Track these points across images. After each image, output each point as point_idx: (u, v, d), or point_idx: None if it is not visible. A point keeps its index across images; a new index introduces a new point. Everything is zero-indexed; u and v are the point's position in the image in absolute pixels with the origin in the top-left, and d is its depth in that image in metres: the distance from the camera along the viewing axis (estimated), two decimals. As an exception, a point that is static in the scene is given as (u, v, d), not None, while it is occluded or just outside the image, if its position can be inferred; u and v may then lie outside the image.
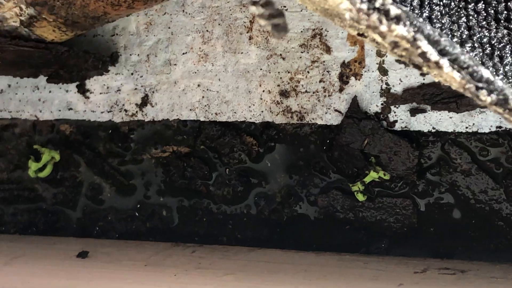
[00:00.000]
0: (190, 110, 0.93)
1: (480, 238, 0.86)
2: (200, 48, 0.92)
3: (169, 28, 0.92)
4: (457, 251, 0.87)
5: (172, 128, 0.95)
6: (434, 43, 0.54)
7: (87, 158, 0.99)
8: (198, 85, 0.92)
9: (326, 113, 0.88)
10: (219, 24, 0.91)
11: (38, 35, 0.87)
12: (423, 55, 0.55)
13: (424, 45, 0.54)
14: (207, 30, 0.91)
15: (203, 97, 0.92)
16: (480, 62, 0.58)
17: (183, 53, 0.92)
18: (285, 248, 0.92)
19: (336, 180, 0.90)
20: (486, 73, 0.56)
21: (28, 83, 0.98)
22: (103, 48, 0.94)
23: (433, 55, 0.55)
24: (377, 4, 0.53)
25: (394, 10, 0.53)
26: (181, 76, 0.93)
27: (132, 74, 0.94)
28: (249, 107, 0.91)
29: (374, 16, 0.53)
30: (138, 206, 0.98)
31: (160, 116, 0.94)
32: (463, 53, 0.56)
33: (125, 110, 0.95)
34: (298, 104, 0.89)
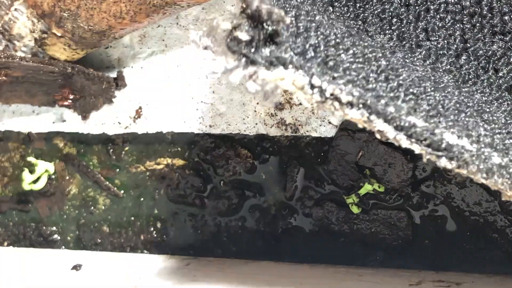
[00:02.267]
0: (184, 122, 0.93)
1: (474, 250, 0.86)
2: (194, 60, 0.92)
3: (163, 40, 0.92)
4: (452, 264, 0.87)
5: (166, 141, 0.95)
6: (390, 120, 0.57)
7: (81, 170, 0.99)
8: (192, 98, 0.92)
9: (320, 125, 0.88)
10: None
11: (51, 55, 0.88)
12: (380, 132, 0.57)
13: (380, 124, 0.57)
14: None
15: (197, 109, 0.92)
16: (442, 125, 0.60)
17: (177, 66, 0.92)
18: (280, 261, 0.92)
19: (330, 192, 0.90)
20: (446, 139, 0.58)
21: (21, 96, 0.98)
22: (97, 61, 0.93)
23: (389, 132, 0.57)
24: (327, 94, 0.55)
25: (345, 98, 0.56)
26: (175, 88, 0.93)
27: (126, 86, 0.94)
28: (243, 119, 0.91)
29: (328, 103, 0.56)
30: (132, 218, 0.98)
31: (154, 129, 0.94)
32: (420, 127, 0.57)
33: (119, 123, 0.95)
34: (292, 117, 0.89)
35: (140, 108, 0.94)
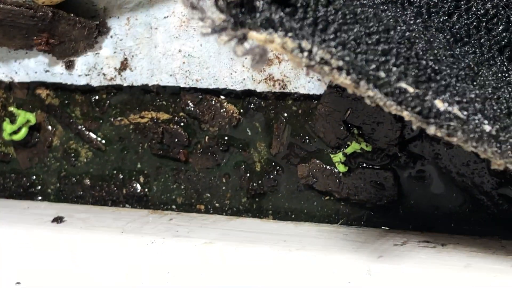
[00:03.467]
0: (171, 75, 0.92)
1: (460, 212, 0.86)
2: (182, 12, 0.90)
3: (150, -10, 0.90)
4: (437, 224, 0.87)
5: (151, 94, 0.94)
6: (380, 86, 0.56)
7: (64, 122, 0.98)
8: (179, 51, 0.91)
9: (309, 82, 0.87)
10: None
11: None
12: (369, 97, 0.57)
13: (370, 90, 0.56)
14: (189, -6, 0.89)
15: (184, 62, 0.91)
16: (432, 90, 0.59)
17: (165, 17, 0.90)
18: (264, 218, 0.92)
19: (317, 150, 0.90)
20: (436, 106, 0.57)
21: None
22: (82, 10, 0.92)
23: (379, 98, 0.57)
24: (317, 58, 0.55)
25: (335, 62, 0.56)
26: (162, 40, 0.91)
27: (111, 37, 0.93)
28: (231, 74, 0.89)
29: (318, 67, 0.56)
30: (115, 171, 0.97)
31: (139, 81, 0.93)
32: (411, 93, 0.56)
33: (104, 74, 0.94)
34: (281, 72, 0.88)
35: (126, 59, 0.93)
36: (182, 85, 0.92)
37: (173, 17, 0.90)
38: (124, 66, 0.93)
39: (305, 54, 0.54)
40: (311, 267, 0.79)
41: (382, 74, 0.57)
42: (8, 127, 0.98)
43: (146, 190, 0.96)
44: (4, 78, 0.98)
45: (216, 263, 0.81)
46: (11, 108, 0.99)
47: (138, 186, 0.97)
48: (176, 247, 0.84)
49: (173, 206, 0.95)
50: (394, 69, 0.58)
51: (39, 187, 1.01)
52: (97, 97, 0.96)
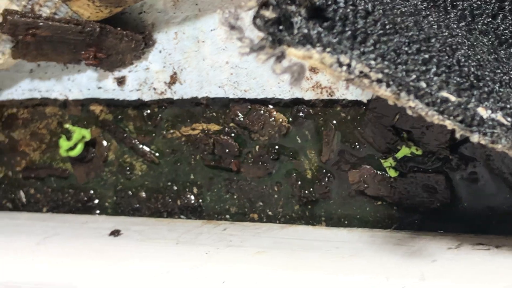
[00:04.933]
0: (219, 87, 0.92)
1: (514, 213, 0.85)
2: (227, 25, 0.91)
3: (196, 4, 0.91)
4: (491, 226, 0.86)
5: (201, 106, 0.95)
6: (421, 96, 0.55)
7: (118, 136, 1.00)
8: (227, 62, 0.91)
9: (356, 88, 0.87)
10: (247, -1, 0.90)
11: (75, 11, 0.88)
12: (411, 108, 0.56)
13: (410, 101, 0.56)
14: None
15: (231, 74, 0.92)
16: (475, 98, 0.58)
17: (211, 30, 0.91)
18: (316, 225, 0.92)
19: (367, 156, 0.89)
20: (479, 114, 0.56)
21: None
22: (131, 27, 0.93)
23: (421, 108, 0.56)
24: (356, 72, 0.55)
25: (374, 75, 0.55)
26: (209, 53, 0.92)
27: (160, 52, 0.94)
28: (278, 83, 0.90)
29: (357, 80, 0.55)
30: (169, 183, 0.98)
31: (189, 94, 0.94)
32: (453, 102, 0.56)
33: (154, 89, 0.95)
34: (328, 80, 0.88)
35: (175, 73, 0.94)
36: (231, 96, 0.92)
37: (219, 30, 0.91)
38: (173, 79, 0.94)
39: (344, 68, 0.54)
40: (364, 273, 0.79)
41: (423, 84, 0.57)
42: (64, 143, 1.00)
43: (200, 200, 0.97)
44: (59, 96, 1.00)
45: (269, 272, 0.81)
46: (67, 125, 1.01)
47: (192, 197, 0.98)
48: (230, 257, 0.85)
49: (227, 216, 0.96)
50: (435, 78, 0.58)
51: (97, 201, 1.02)
52: (149, 111, 0.98)
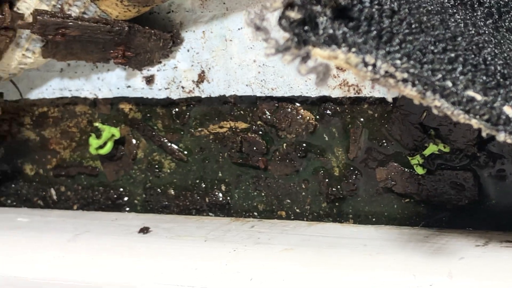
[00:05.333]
0: (247, 85, 0.93)
1: (543, 210, 0.85)
2: (255, 23, 0.91)
3: (224, 3, 0.91)
4: (520, 224, 0.86)
5: (229, 104, 0.95)
6: (447, 96, 0.55)
7: (146, 135, 1.01)
8: (254, 61, 0.92)
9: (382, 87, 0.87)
10: (274, -2, 0.90)
11: (103, 10, 0.89)
12: (437, 107, 0.57)
13: (436, 100, 0.55)
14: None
15: (259, 72, 0.92)
16: (501, 97, 0.58)
17: (239, 29, 0.92)
18: (344, 222, 0.92)
19: (394, 153, 0.89)
20: (505, 112, 0.56)
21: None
22: (159, 26, 0.94)
23: (447, 108, 0.56)
24: (382, 72, 0.55)
25: (399, 75, 0.55)
26: (237, 51, 0.92)
27: (188, 50, 0.95)
28: (305, 81, 0.90)
29: (383, 80, 0.55)
30: (197, 181, 0.99)
31: (216, 92, 0.95)
32: (479, 101, 0.55)
33: (182, 87, 0.96)
34: (355, 77, 0.88)
35: (203, 72, 0.94)
36: (258, 94, 0.93)
37: (246, 28, 0.91)
38: (201, 78, 0.95)
39: (370, 68, 0.54)
40: (392, 270, 0.79)
41: (448, 83, 0.57)
42: (94, 142, 1.01)
43: (228, 198, 0.98)
44: (88, 95, 1.01)
45: (296, 269, 0.82)
46: (96, 124, 1.02)
47: (220, 195, 0.98)
48: (258, 254, 0.85)
49: (255, 213, 0.97)
50: (461, 77, 0.58)
51: (126, 199, 1.03)
52: (177, 110, 0.99)
